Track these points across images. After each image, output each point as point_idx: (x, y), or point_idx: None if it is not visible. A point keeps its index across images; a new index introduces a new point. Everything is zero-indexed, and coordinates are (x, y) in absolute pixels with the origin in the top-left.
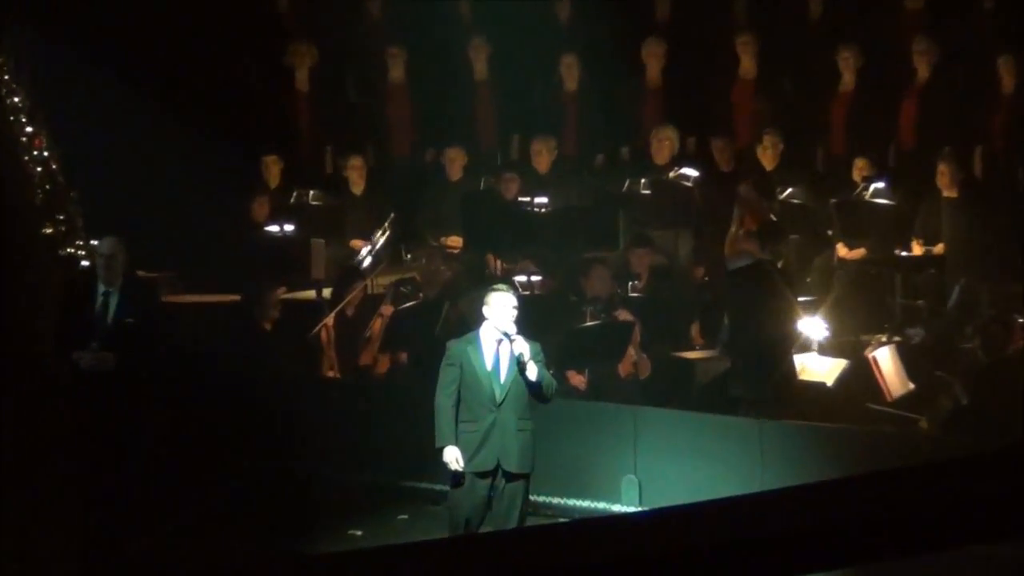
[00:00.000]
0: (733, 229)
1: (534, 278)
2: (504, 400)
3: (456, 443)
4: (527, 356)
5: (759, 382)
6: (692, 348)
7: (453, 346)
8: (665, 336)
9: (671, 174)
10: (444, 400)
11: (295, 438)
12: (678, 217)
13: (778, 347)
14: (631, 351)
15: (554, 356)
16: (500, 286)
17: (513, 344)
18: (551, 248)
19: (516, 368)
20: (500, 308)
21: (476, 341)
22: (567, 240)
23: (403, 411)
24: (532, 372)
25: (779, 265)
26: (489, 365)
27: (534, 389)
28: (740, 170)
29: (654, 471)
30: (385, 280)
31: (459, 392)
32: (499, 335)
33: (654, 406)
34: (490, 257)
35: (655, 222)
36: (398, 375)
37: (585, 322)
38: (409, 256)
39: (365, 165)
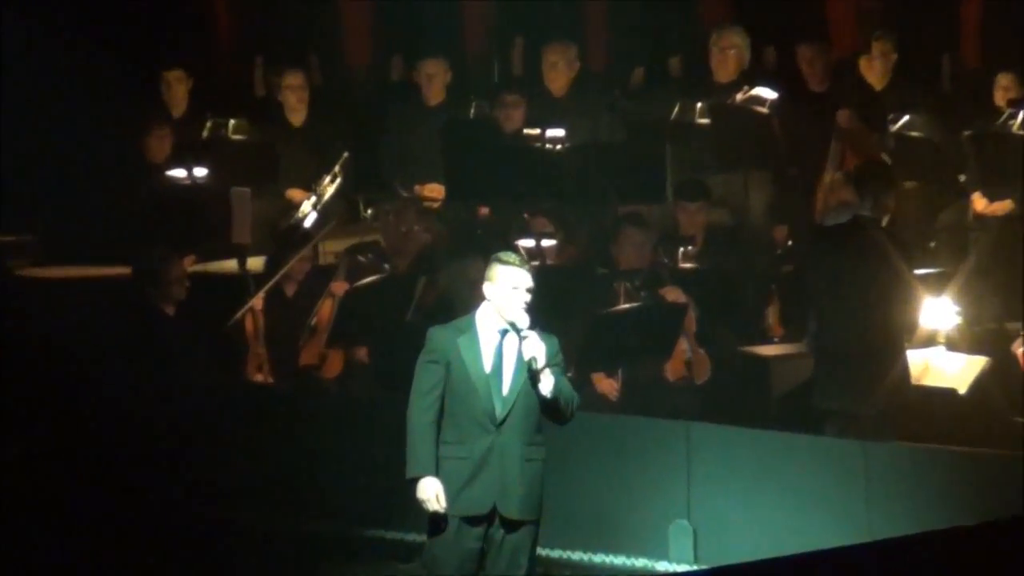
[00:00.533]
0: (828, 174)
1: (546, 243)
2: (507, 418)
3: (436, 474)
4: (541, 361)
5: (858, 389)
6: (768, 341)
7: (437, 335)
8: (730, 324)
9: (739, 96)
10: (420, 413)
11: (208, 471)
12: (749, 157)
13: (886, 340)
14: (682, 345)
15: (575, 352)
16: (509, 257)
17: (524, 343)
18: (569, 201)
19: (526, 375)
20: (509, 289)
21: (471, 330)
22: (592, 190)
23: (361, 431)
24: (547, 384)
25: (885, 223)
26: (488, 366)
27: (549, 406)
28: (837, 90)
29: (714, 513)
30: (336, 246)
31: (443, 402)
32: (504, 325)
33: (714, 422)
34: (483, 213)
35: (716, 164)
36: (354, 379)
37: (618, 304)
38: (370, 212)
39: (307, 84)
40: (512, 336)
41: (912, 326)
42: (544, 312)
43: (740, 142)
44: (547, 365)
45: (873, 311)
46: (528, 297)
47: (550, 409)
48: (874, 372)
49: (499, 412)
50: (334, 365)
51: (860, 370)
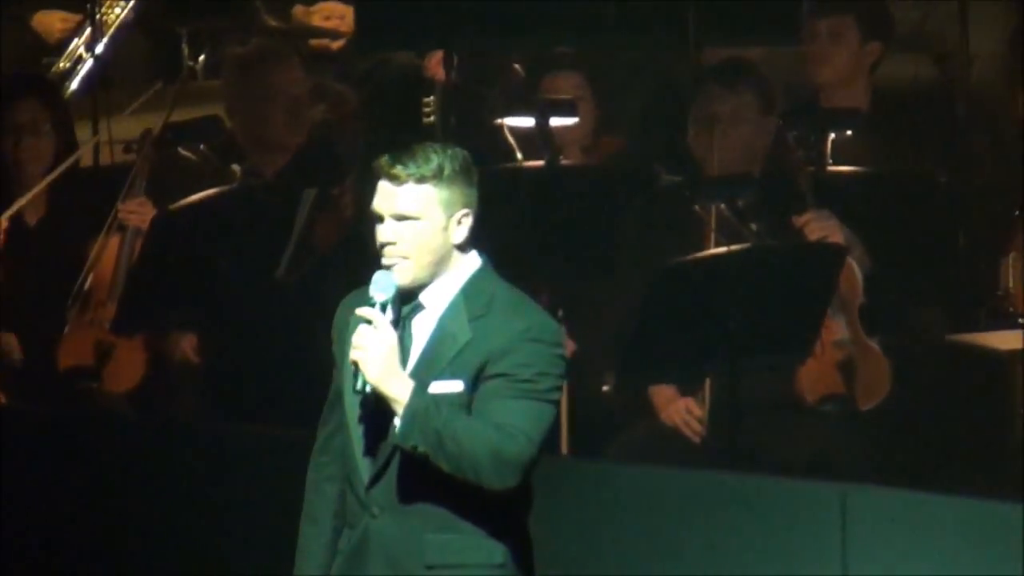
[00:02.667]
0: None
1: (561, 121)
2: (381, 477)
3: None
4: (372, 372)
5: None
6: (1007, 322)
7: (344, 305)
8: (931, 290)
9: None
10: (312, 468)
11: None
12: None
13: None
14: (835, 329)
15: (620, 343)
16: (382, 163)
17: (356, 335)
18: (609, 40)
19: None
20: (375, 235)
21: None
22: (655, 17)
23: (189, 492)
24: (398, 409)
25: None
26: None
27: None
28: None
29: None
30: (132, 127)
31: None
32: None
33: (891, 485)
34: (435, 63)
35: None
36: (168, 396)
37: (704, 246)
38: (202, 59)
39: None
40: (424, 316)
41: None
42: (553, 264)
43: None
44: (461, 373)
45: None
46: (390, 233)
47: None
48: None
49: (362, 471)
50: (126, 368)
51: None
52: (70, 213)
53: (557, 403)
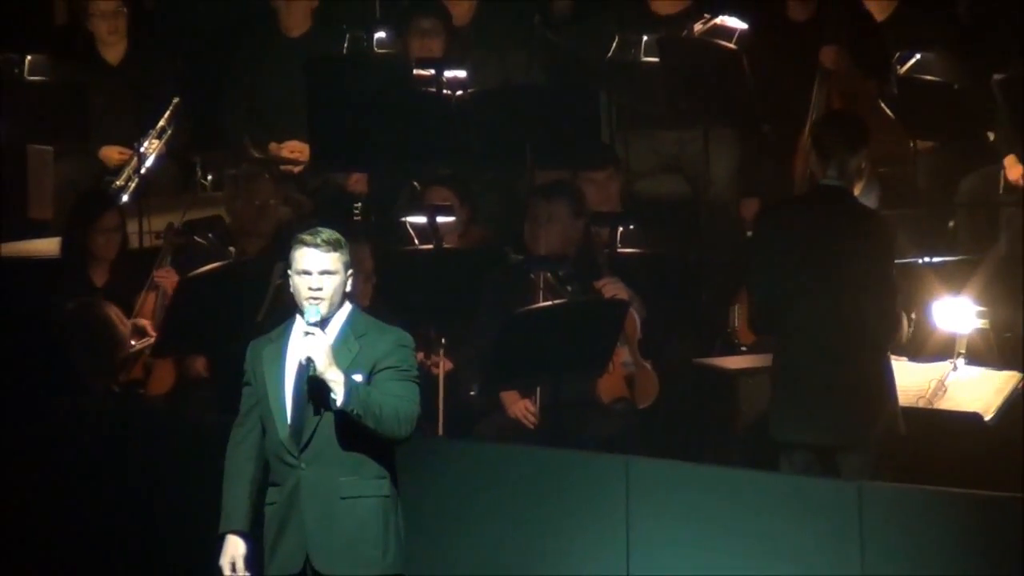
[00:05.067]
0: (808, 129)
1: (443, 220)
2: (309, 443)
3: (249, 528)
4: (321, 362)
5: (818, 415)
6: (733, 350)
7: (251, 348)
8: (684, 328)
9: (697, 26)
10: (232, 448)
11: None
12: (710, 107)
13: (852, 348)
14: (621, 356)
15: (479, 365)
16: (305, 234)
17: (304, 341)
18: (474, 165)
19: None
20: (296, 276)
21: (284, 337)
22: (504, 150)
23: (198, 463)
24: (338, 389)
25: (857, 191)
26: (288, 380)
27: (353, 425)
28: (825, 19)
29: (659, 571)
30: (165, 224)
31: (263, 432)
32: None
33: (661, 457)
34: (360, 181)
35: (667, 115)
36: (189, 398)
37: (536, 301)
38: (209, 179)
39: (124, 9)
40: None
41: (888, 333)
42: (439, 312)
43: (699, 88)
44: (359, 370)
45: (834, 310)
46: (317, 282)
47: (355, 425)
48: (840, 393)
49: (298, 436)
50: (162, 380)
51: (820, 390)
52: (128, 277)
53: (420, 380)
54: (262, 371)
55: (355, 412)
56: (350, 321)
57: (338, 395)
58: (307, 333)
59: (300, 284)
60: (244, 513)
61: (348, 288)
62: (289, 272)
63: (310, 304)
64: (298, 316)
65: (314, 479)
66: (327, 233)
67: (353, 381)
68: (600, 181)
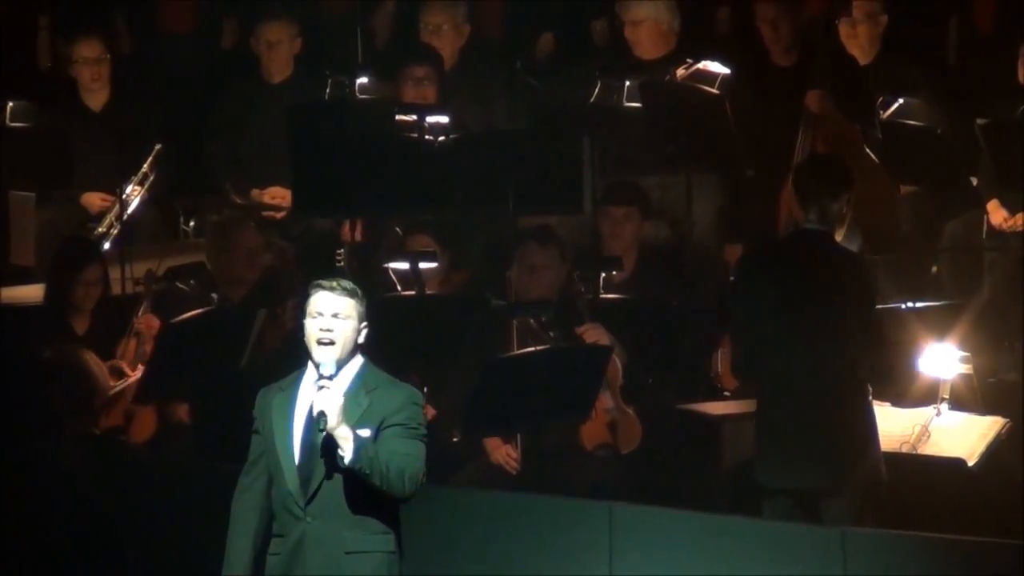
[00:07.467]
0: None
1: (425, 266)
2: (316, 496)
3: (249, 574)
4: (333, 419)
5: (807, 459)
6: (716, 396)
7: (261, 396)
8: (667, 374)
9: (680, 71)
10: (238, 495)
11: None
12: (692, 153)
13: (831, 394)
14: (604, 402)
15: (462, 411)
16: (321, 280)
17: (318, 395)
18: (456, 211)
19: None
20: (309, 320)
21: (294, 387)
22: (486, 196)
23: (179, 508)
24: (347, 447)
25: (839, 236)
26: (297, 433)
27: (359, 480)
28: (809, 64)
29: None
30: (147, 267)
31: (270, 481)
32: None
33: (644, 503)
34: (344, 226)
35: (649, 162)
36: (171, 446)
37: (519, 347)
38: (192, 225)
39: (107, 56)
40: (334, 390)
41: (876, 377)
42: (421, 358)
43: (681, 133)
44: (344, 423)
45: (816, 355)
46: (328, 324)
47: (361, 481)
48: (822, 438)
49: (297, 495)
50: (144, 426)
51: (802, 435)
52: (109, 323)
53: (427, 439)
54: (271, 420)
55: (363, 470)
56: (361, 374)
57: (346, 452)
58: (320, 387)
59: (311, 328)
60: (247, 561)
61: (361, 340)
62: (303, 321)
63: (320, 347)
64: (309, 365)
65: (319, 533)
66: (345, 281)
67: (362, 439)
68: (616, 217)
